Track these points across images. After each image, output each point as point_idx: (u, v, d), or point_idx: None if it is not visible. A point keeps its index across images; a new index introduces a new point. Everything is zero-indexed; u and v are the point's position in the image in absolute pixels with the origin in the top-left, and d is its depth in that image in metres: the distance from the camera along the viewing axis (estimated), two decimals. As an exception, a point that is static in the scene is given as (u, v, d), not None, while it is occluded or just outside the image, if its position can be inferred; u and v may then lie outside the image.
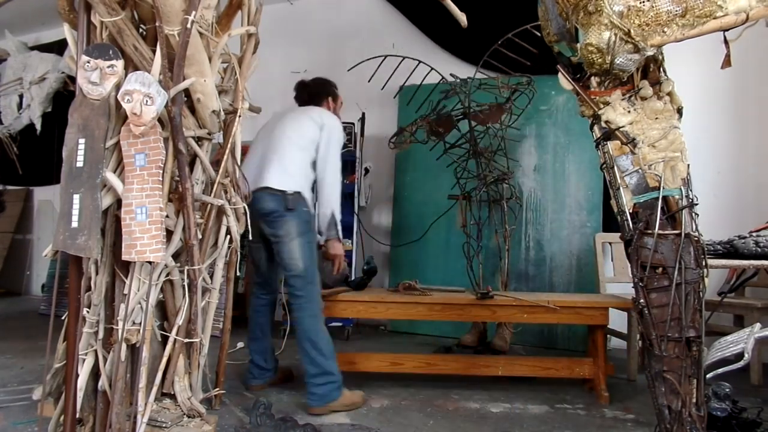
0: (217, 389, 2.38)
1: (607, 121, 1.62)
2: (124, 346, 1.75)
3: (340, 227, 2.72)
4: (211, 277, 2.13)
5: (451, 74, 3.60)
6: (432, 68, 3.64)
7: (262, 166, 2.63)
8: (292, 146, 2.65)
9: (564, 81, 1.69)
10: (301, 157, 2.65)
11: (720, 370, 1.77)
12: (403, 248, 4.39)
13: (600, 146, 1.67)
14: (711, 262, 2.25)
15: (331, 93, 3.01)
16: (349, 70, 3.85)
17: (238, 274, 2.25)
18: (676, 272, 1.52)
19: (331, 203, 2.67)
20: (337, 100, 3.03)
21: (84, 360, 1.80)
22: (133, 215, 1.71)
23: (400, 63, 3.71)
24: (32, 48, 5.61)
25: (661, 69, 1.63)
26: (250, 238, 2.29)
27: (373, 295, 2.89)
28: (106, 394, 1.80)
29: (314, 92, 2.99)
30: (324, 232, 2.70)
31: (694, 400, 1.51)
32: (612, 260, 3.61)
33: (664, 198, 1.56)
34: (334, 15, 5.18)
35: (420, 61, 3.68)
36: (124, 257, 1.72)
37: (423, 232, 4.12)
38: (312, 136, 2.67)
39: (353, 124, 4.47)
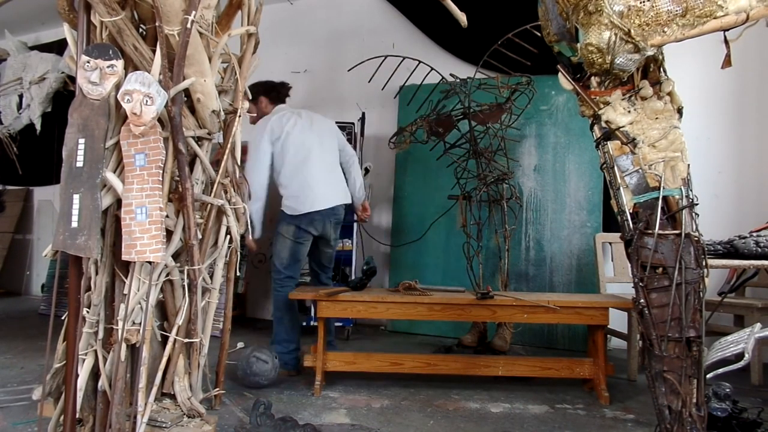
0: (217, 389, 2.38)
1: (607, 121, 1.62)
2: (124, 346, 1.75)
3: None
4: (211, 277, 2.13)
5: (451, 74, 3.61)
6: (432, 68, 3.64)
7: (334, 183, 3.31)
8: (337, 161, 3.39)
9: (564, 81, 1.69)
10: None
11: (720, 370, 1.77)
12: (403, 248, 4.39)
13: (600, 146, 1.67)
14: (711, 262, 2.25)
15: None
16: (349, 70, 3.86)
17: (238, 274, 2.25)
18: (676, 272, 1.52)
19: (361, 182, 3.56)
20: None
21: (84, 360, 1.80)
22: (133, 215, 1.71)
23: (400, 63, 3.71)
24: (32, 48, 5.61)
25: (662, 69, 1.63)
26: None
27: (373, 295, 2.89)
28: (106, 394, 1.80)
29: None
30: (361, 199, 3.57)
31: (694, 400, 1.51)
32: (612, 260, 3.61)
33: (665, 198, 1.56)
34: (334, 15, 5.18)
35: (420, 61, 3.68)
36: (124, 257, 1.72)
37: (423, 232, 4.13)
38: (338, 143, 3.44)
39: (353, 124, 4.47)
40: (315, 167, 3.21)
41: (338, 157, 3.38)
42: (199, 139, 2.01)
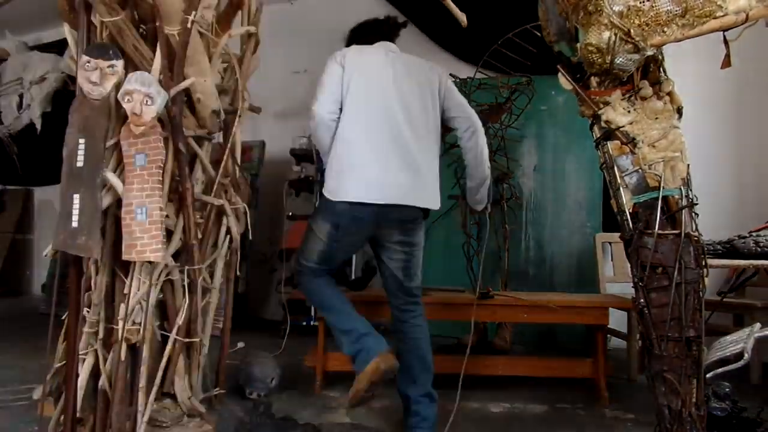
0: (218, 389, 2.38)
1: (607, 121, 1.62)
2: (124, 346, 1.75)
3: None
4: (211, 277, 2.13)
5: (451, 74, 3.60)
6: (432, 68, 3.63)
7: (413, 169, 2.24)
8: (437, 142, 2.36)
9: (564, 81, 1.69)
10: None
11: (720, 370, 1.77)
12: (403, 248, 4.38)
13: (600, 146, 1.67)
14: (711, 262, 2.25)
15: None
16: (349, 70, 3.85)
17: (238, 274, 2.25)
18: (676, 272, 1.52)
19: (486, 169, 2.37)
20: None
21: (84, 360, 1.80)
22: (133, 215, 1.71)
23: (400, 63, 3.70)
24: (32, 48, 5.61)
25: (661, 69, 1.63)
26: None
27: (373, 295, 2.89)
28: (106, 394, 1.80)
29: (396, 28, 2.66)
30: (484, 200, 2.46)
31: (694, 400, 1.51)
32: (612, 260, 3.61)
33: (664, 198, 1.56)
34: (334, 15, 5.16)
35: (420, 61, 3.68)
36: (124, 257, 1.72)
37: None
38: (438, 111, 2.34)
39: (353, 124, 4.46)
40: (381, 136, 2.14)
41: (436, 131, 2.33)
42: (199, 139, 2.01)
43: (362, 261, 3.85)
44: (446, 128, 3.28)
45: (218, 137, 2.15)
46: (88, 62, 1.72)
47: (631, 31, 1.41)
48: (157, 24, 1.78)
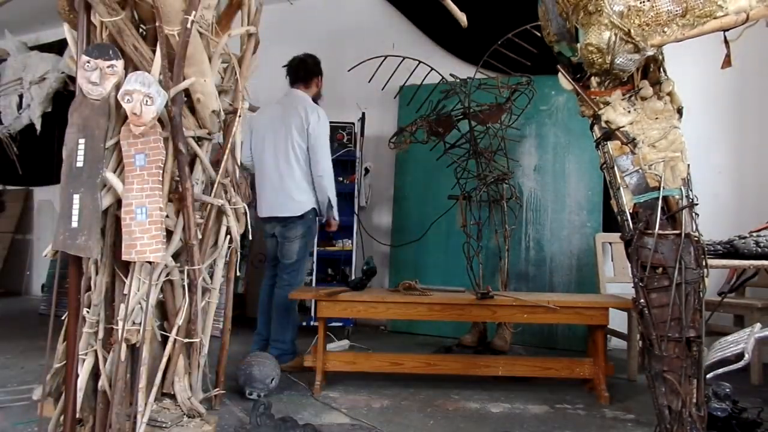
0: (217, 389, 2.38)
1: (607, 121, 1.62)
2: (124, 346, 1.75)
3: (335, 208, 3.37)
4: (211, 277, 2.13)
5: (451, 74, 3.60)
6: (432, 68, 3.64)
7: (280, 188, 3.24)
8: (299, 163, 3.24)
9: (564, 81, 1.69)
10: (306, 170, 3.27)
11: (720, 370, 1.77)
12: (403, 248, 4.39)
13: (600, 146, 1.67)
14: (711, 262, 2.25)
15: (320, 72, 3.62)
16: (349, 70, 3.86)
17: (238, 274, 2.25)
18: (676, 272, 1.52)
19: (326, 191, 3.26)
20: (321, 78, 3.64)
21: (84, 360, 1.80)
22: (133, 215, 1.71)
23: (400, 63, 3.70)
24: (32, 48, 5.61)
25: (661, 69, 1.63)
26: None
27: (373, 295, 2.89)
28: (106, 394, 1.80)
29: (311, 70, 3.55)
30: (324, 213, 3.37)
31: (694, 400, 1.51)
32: (612, 260, 3.61)
33: (664, 198, 1.56)
34: (334, 15, 5.17)
35: (420, 62, 3.68)
36: (124, 257, 1.72)
37: (423, 232, 4.12)
38: (305, 140, 3.25)
39: (353, 124, 4.46)
40: (266, 168, 3.27)
41: (297, 159, 3.23)
42: (199, 139, 2.01)
43: (362, 261, 3.85)
44: (446, 128, 3.46)
45: (218, 137, 2.15)
46: (88, 62, 1.72)
47: (632, 31, 1.41)
48: (157, 24, 1.78)
